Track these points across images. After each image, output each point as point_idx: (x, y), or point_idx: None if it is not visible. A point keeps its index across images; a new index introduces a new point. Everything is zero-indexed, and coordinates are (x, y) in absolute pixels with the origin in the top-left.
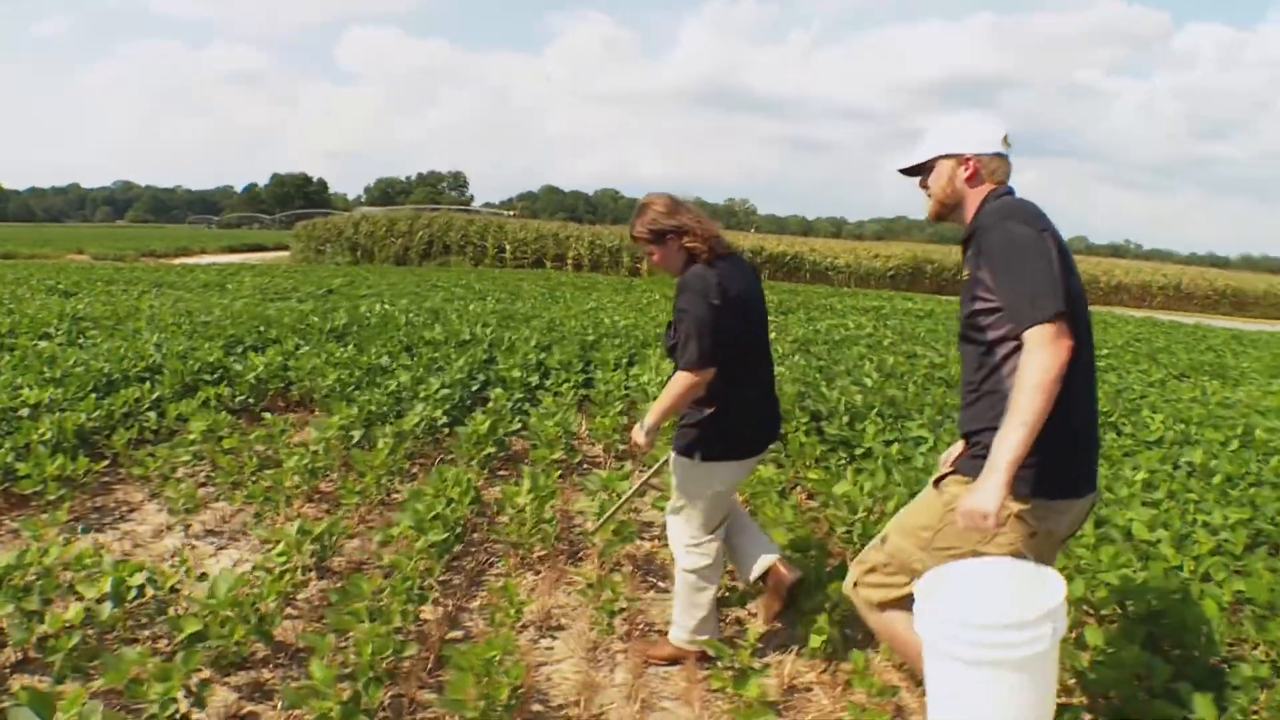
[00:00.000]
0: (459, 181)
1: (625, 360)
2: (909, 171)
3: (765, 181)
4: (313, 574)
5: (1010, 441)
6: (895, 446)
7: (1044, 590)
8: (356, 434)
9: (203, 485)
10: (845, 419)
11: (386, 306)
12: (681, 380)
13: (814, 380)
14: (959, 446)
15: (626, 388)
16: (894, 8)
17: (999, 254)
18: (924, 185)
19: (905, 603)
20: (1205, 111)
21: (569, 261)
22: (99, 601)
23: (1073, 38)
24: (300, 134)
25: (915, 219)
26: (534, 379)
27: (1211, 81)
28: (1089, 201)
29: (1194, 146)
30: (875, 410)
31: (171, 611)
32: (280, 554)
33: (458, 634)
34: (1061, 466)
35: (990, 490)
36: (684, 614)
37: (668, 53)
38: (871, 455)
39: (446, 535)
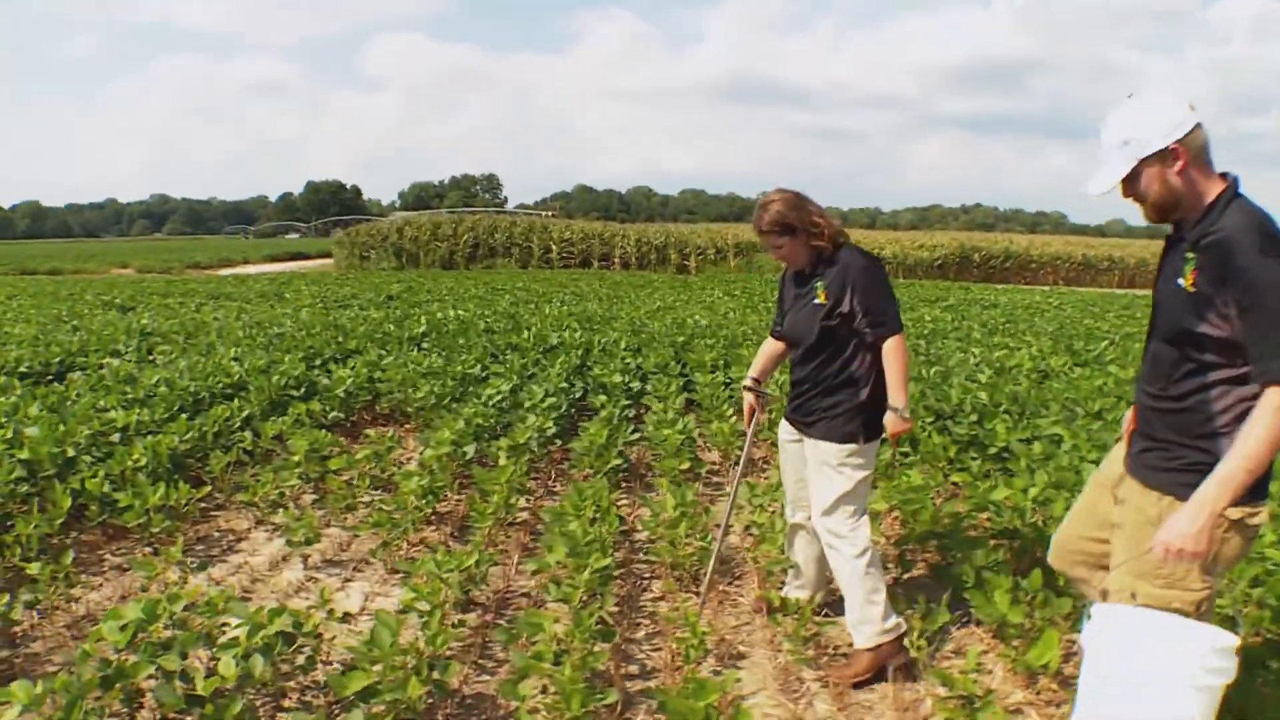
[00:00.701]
0: (493, 184)
1: (721, 361)
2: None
3: (796, 173)
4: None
5: (1231, 484)
6: (1037, 445)
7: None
8: (469, 449)
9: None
10: (973, 417)
11: (460, 312)
12: (898, 345)
13: (928, 377)
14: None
15: (728, 388)
16: None
17: (1264, 294)
18: (1131, 196)
19: None
20: (1239, 86)
21: (616, 260)
22: (246, 657)
23: (1100, 16)
24: (330, 142)
25: (950, 207)
26: (635, 384)
27: (1245, 55)
28: None
29: (1230, 122)
30: (1002, 408)
31: (322, 659)
32: (430, 590)
33: (633, 669)
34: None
35: (1200, 530)
36: (866, 608)
37: (692, 47)
38: (1011, 455)
39: (609, 561)
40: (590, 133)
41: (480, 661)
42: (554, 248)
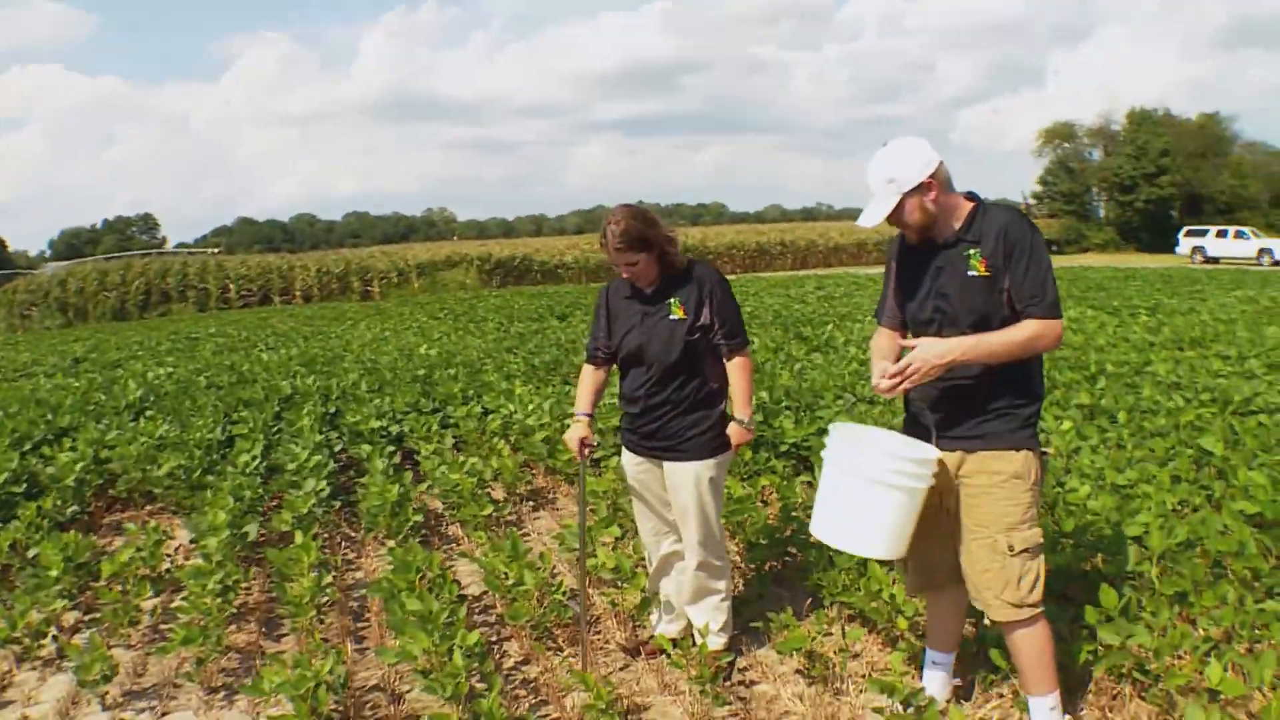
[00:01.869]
0: (149, 223)
1: (471, 392)
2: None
3: (460, 188)
4: None
5: (976, 349)
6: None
7: (926, 450)
8: (251, 529)
9: (75, 630)
10: (759, 416)
11: (169, 369)
12: (749, 359)
13: None
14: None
15: (486, 418)
16: (573, 3)
17: (1033, 251)
18: (896, 223)
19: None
20: (873, 76)
21: (297, 293)
22: None
23: (748, 16)
24: None
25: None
26: (394, 428)
27: (875, 48)
28: (778, 171)
29: (866, 109)
30: (783, 404)
31: None
32: (296, 715)
33: None
34: None
35: (942, 362)
36: (722, 611)
37: (348, 67)
38: (809, 449)
39: (477, 637)
40: (249, 162)
41: None
42: (232, 287)
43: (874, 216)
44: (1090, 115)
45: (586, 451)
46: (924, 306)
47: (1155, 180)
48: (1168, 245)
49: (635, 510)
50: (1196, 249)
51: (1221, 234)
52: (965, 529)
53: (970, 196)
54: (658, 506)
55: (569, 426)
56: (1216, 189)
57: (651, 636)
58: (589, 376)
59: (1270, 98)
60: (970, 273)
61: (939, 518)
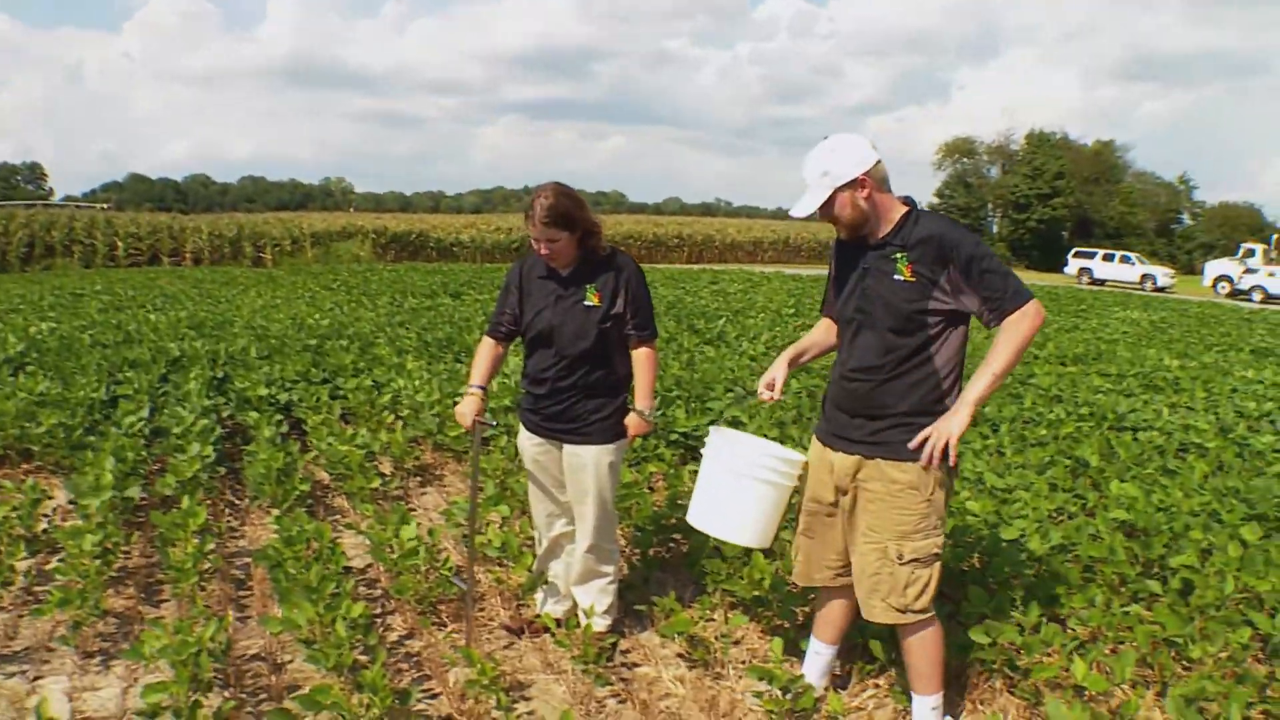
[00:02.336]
0: (36, 173)
1: (363, 366)
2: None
3: (360, 160)
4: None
5: (986, 381)
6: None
7: (794, 454)
8: (134, 491)
9: None
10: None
11: (53, 324)
12: (654, 351)
13: None
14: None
15: (378, 391)
16: None
17: (981, 258)
18: (827, 218)
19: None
20: (782, 77)
21: (187, 255)
22: None
23: (662, 8)
24: None
25: (513, 189)
26: (283, 396)
27: (787, 49)
28: (679, 165)
29: (772, 109)
30: (674, 393)
31: None
32: (176, 681)
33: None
34: None
35: (965, 425)
36: (608, 594)
37: (255, 27)
38: (698, 439)
39: (362, 609)
40: (144, 117)
41: None
42: (120, 245)
43: (805, 207)
44: (991, 133)
45: (478, 426)
46: (847, 305)
47: (1049, 201)
48: (1057, 265)
49: (530, 491)
50: (1084, 270)
51: (1108, 258)
52: (859, 531)
53: (906, 201)
54: (553, 488)
55: (460, 400)
56: (1107, 214)
57: (537, 616)
58: (487, 350)
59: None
60: (896, 277)
61: (831, 519)
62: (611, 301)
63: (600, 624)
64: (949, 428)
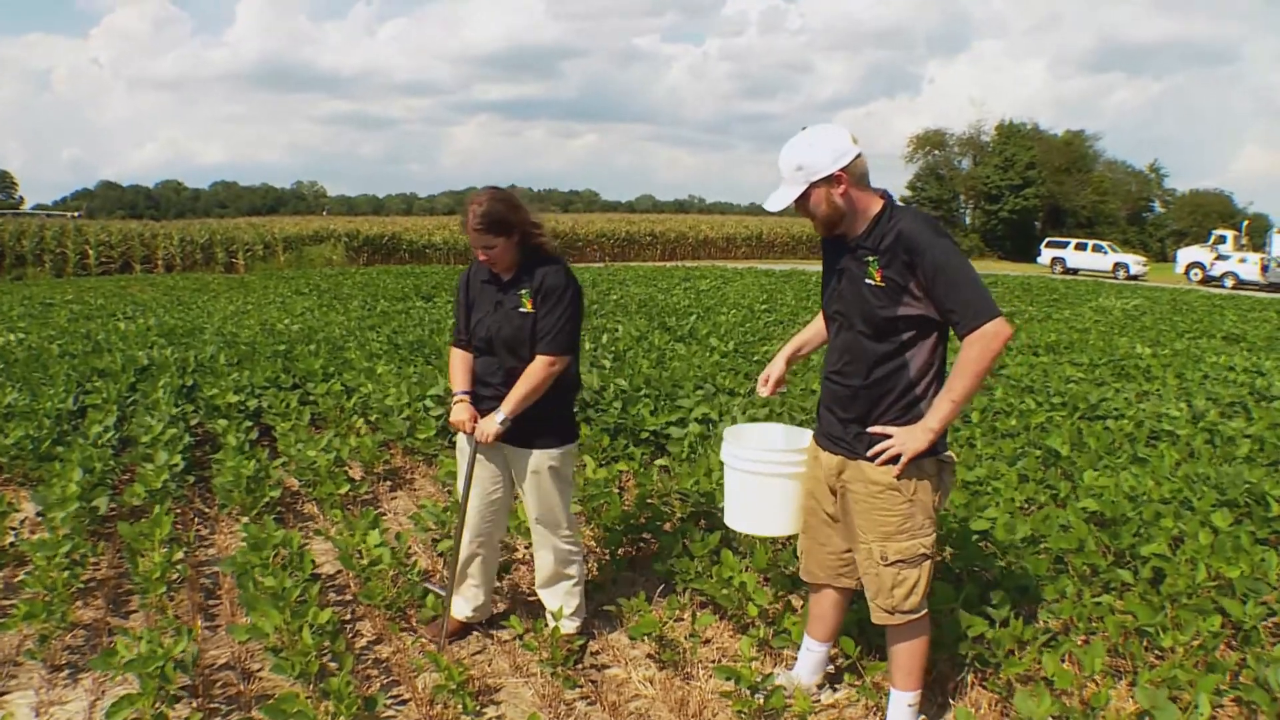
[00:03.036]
0: (6, 182)
1: (333, 370)
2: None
3: (332, 162)
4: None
5: (953, 397)
6: (694, 427)
7: (802, 438)
8: (101, 502)
9: None
10: (618, 404)
11: (20, 336)
12: (551, 367)
13: None
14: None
15: (349, 396)
16: None
17: (947, 266)
18: (803, 213)
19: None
20: (752, 73)
21: (159, 262)
22: None
23: (632, 6)
24: None
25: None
26: (252, 403)
27: (756, 45)
28: (651, 161)
29: (743, 105)
30: (642, 392)
31: None
32: (143, 694)
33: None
34: None
35: (921, 445)
36: (574, 596)
37: (224, 31)
38: (667, 438)
39: (330, 615)
40: (114, 124)
41: None
42: (91, 253)
43: (778, 201)
44: (961, 125)
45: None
46: (830, 304)
47: (1021, 191)
48: (1029, 254)
49: (470, 495)
50: (1056, 260)
51: (1081, 247)
52: (852, 533)
53: (883, 195)
54: (489, 487)
55: (431, 409)
56: (1079, 203)
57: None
58: (460, 359)
59: (1131, 119)
60: (867, 281)
61: (827, 519)
62: (539, 304)
63: (569, 626)
64: (905, 443)
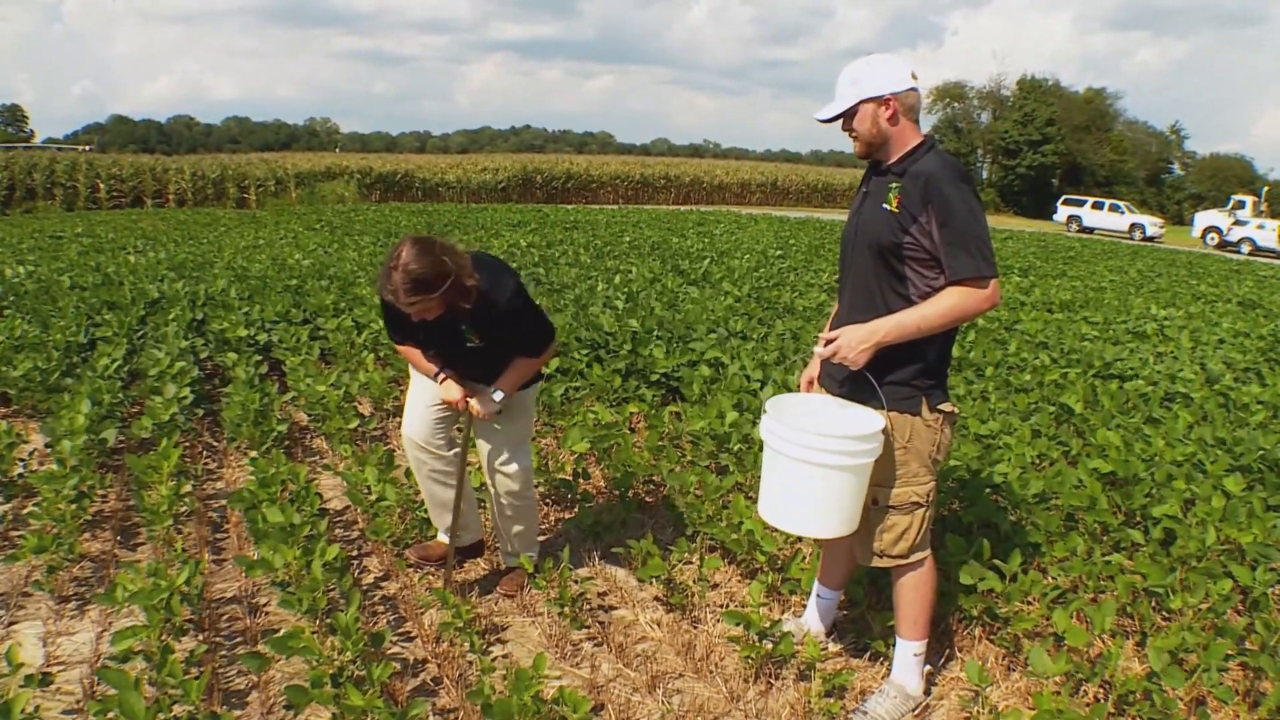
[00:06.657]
0: (16, 115)
1: (344, 305)
2: (830, 119)
3: (345, 99)
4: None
5: (901, 329)
6: (703, 368)
7: (869, 419)
8: (109, 435)
9: None
10: (629, 346)
11: (30, 269)
12: (535, 364)
13: (563, 307)
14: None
15: (359, 332)
16: None
17: (956, 213)
18: (848, 129)
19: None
20: (773, 18)
21: (170, 197)
22: None
23: None
24: None
25: (500, 129)
26: (262, 337)
27: None
28: (667, 105)
29: (763, 51)
30: (654, 334)
31: None
32: (150, 624)
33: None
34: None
35: (864, 349)
36: (533, 530)
37: None
38: (679, 380)
39: (337, 551)
40: (126, 58)
41: (229, 700)
42: (102, 187)
43: (828, 111)
44: (982, 78)
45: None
46: (847, 227)
47: (1039, 148)
48: (1046, 212)
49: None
50: (1073, 218)
51: (1097, 205)
52: None
53: (927, 137)
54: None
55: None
56: (1097, 162)
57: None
58: (417, 352)
59: (1154, 79)
60: (884, 205)
61: None
62: (494, 331)
63: (531, 554)
64: (851, 341)
